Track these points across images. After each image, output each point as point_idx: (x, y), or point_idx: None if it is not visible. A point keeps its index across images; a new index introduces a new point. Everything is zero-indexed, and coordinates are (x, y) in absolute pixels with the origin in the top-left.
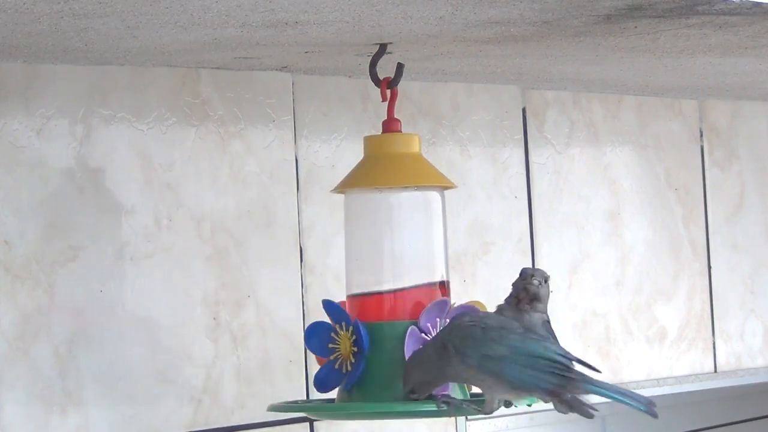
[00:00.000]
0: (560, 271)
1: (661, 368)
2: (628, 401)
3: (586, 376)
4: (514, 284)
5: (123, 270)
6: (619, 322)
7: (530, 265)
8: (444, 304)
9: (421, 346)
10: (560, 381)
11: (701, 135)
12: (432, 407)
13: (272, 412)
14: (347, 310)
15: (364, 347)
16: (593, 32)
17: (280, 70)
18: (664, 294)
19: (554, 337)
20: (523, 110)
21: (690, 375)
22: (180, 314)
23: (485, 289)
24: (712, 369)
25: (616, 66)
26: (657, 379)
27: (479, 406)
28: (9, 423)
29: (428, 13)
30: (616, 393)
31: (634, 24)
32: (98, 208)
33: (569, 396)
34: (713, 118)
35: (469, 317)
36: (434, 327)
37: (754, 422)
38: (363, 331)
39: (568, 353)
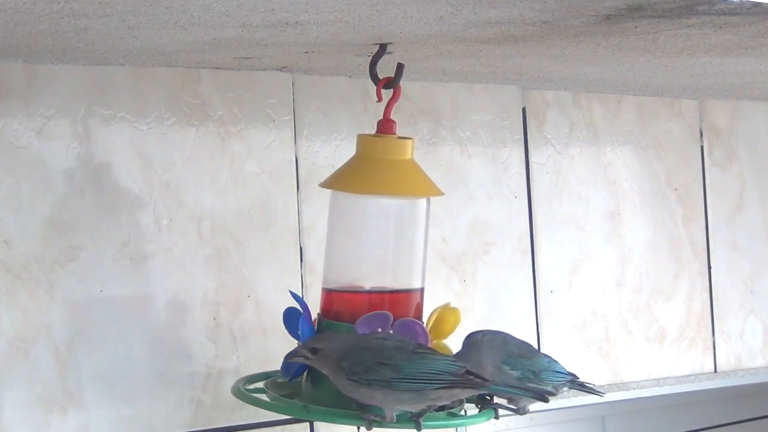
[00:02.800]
0: (560, 271)
1: (661, 368)
2: (522, 393)
3: (477, 380)
4: None
5: (123, 270)
6: (619, 322)
7: (530, 265)
8: (386, 317)
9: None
10: (449, 391)
11: (701, 135)
12: (359, 420)
13: (271, 412)
14: (321, 301)
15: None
16: (593, 32)
17: (280, 70)
18: (664, 294)
19: (528, 349)
20: (523, 110)
21: (690, 375)
22: (180, 314)
23: (485, 288)
24: (712, 369)
25: (616, 66)
26: (657, 379)
27: (383, 416)
28: (9, 423)
29: (428, 13)
30: (509, 387)
31: (634, 24)
32: (98, 208)
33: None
34: (713, 118)
35: (369, 340)
36: None
37: (754, 422)
38: (306, 327)
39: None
